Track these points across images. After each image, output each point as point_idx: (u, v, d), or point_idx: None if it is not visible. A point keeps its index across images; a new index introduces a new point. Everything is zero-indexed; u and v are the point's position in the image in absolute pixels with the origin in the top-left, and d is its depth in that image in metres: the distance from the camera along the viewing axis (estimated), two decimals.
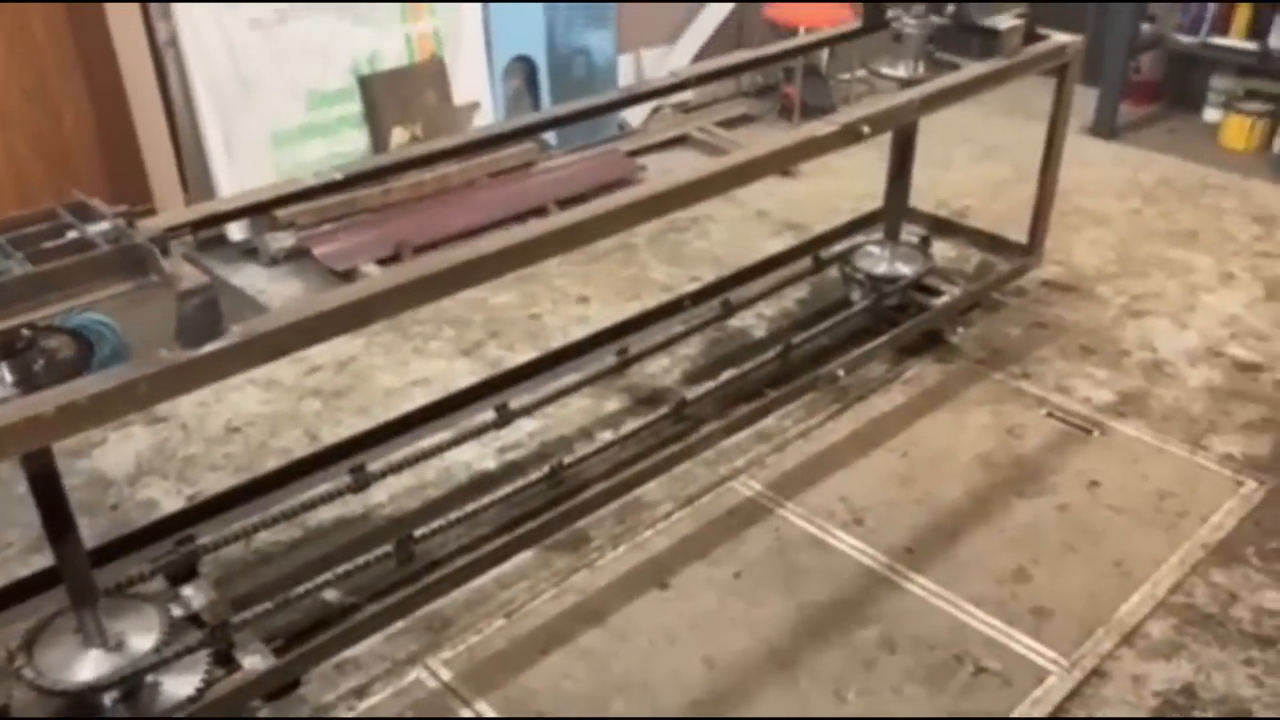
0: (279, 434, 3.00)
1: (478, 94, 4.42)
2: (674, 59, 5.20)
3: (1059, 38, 3.11)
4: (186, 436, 3.00)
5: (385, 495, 2.72)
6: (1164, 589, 2.47)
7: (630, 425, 2.84)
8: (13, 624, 2.06)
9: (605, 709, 2.19)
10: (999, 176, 4.52)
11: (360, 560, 2.24)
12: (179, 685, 2.00)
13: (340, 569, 2.22)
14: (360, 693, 2.23)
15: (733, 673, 2.27)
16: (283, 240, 3.84)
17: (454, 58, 4.29)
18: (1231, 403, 3.14)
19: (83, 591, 1.93)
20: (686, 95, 4.97)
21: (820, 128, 2.50)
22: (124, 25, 3.62)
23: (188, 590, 2.21)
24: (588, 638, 2.35)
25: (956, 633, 2.36)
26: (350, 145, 4.09)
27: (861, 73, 5.07)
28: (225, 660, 2.07)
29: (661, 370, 3.25)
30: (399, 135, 4.16)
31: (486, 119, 4.45)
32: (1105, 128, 5.02)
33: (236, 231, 3.88)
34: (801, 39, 3.54)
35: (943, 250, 3.64)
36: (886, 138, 3.31)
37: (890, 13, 3.11)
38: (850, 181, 4.24)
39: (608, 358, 2.98)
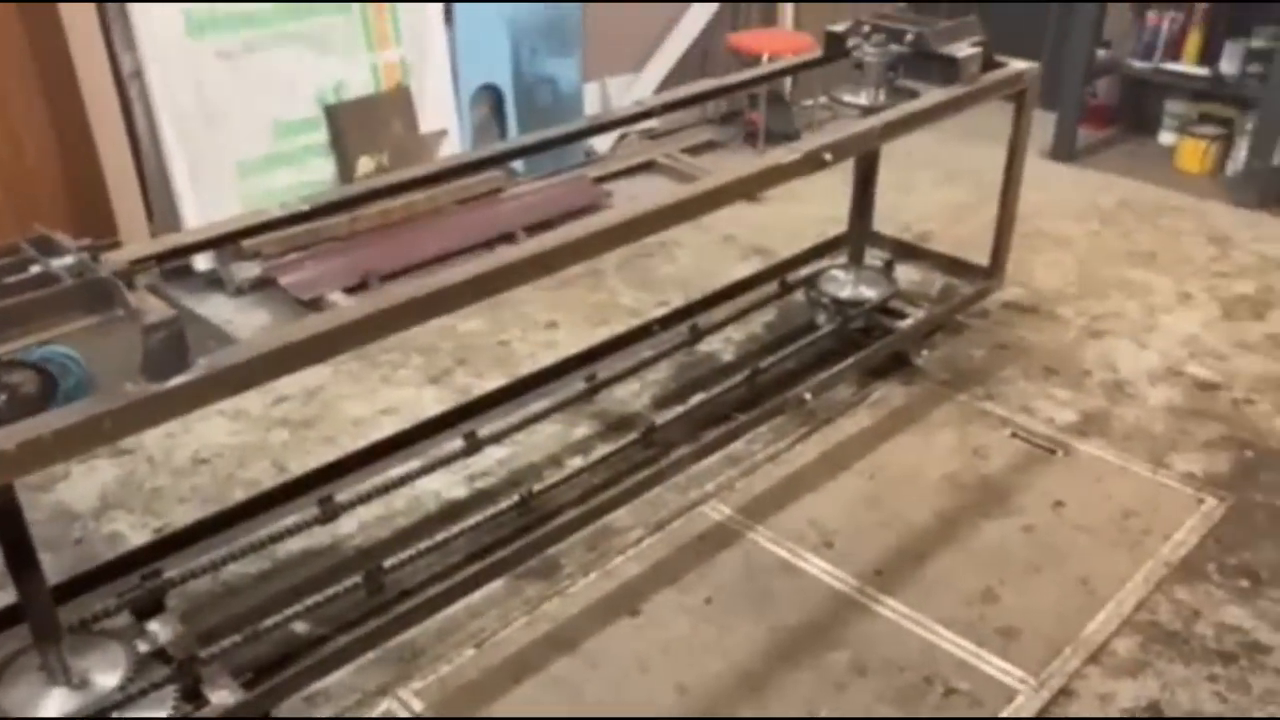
0: (246, 465, 2.98)
1: (444, 122, 4.44)
2: (639, 87, 5.25)
3: (1016, 65, 3.16)
4: (153, 468, 2.97)
5: (354, 525, 2.71)
6: (1129, 607, 2.50)
7: (600, 451, 2.85)
8: None
9: None
10: (960, 200, 4.58)
11: (329, 591, 2.23)
12: None
13: (309, 600, 2.21)
14: None
15: (705, 699, 2.28)
16: (248, 270, 3.82)
17: (420, 86, 4.31)
18: (1191, 421, 3.19)
19: (46, 629, 1.91)
20: (653, 122, 5.00)
21: (784, 155, 2.53)
22: (88, 57, 3.61)
23: (154, 625, 2.18)
24: (559, 666, 2.35)
25: (926, 654, 2.38)
26: (317, 174, 4.08)
27: (825, 99, 5.13)
28: (193, 695, 2.05)
29: (631, 395, 3.26)
30: (365, 164, 4.17)
31: (453, 147, 4.46)
32: (1064, 151, 5.11)
33: (202, 261, 3.85)
34: (766, 67, 3.58)
35: (906, 274, 3.69)
36: (849, 163, 3.35)
37: (851, 41, 3.15)
38: (815, 206, 4.28)
39: (577, 384, 2.99)
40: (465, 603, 2.44)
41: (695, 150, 5.15)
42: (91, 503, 2.85)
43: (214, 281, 3.87)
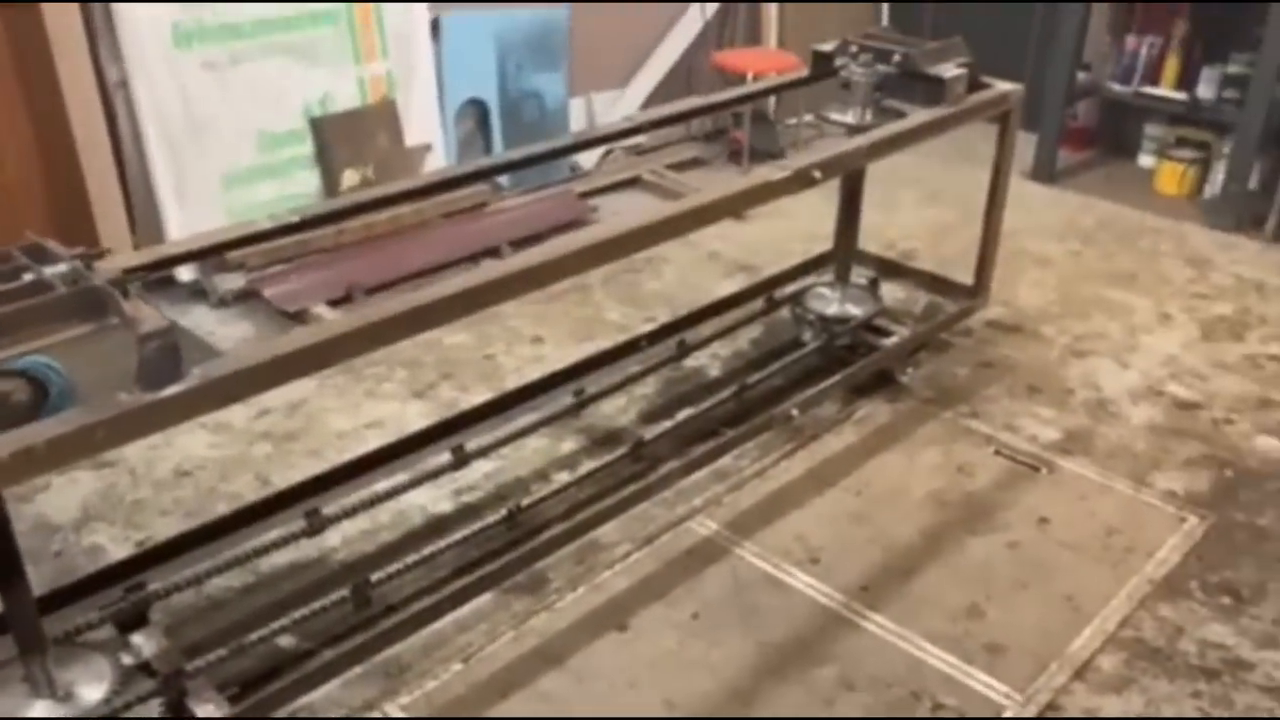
0: (229, 478, 2.96)
1: (430, 136, 4.44)
2: (625, 103, 5.27)
3: (1001, 86, 3.20)
4: (134, 481, 2.94)
5: (339, 539, 2.69)
6: (1113, 623, 2.52)
7: (587, 466, 2.85)
8: None
9: None
10: (943, 220, 4.62)
11: (316, 605, 2.21)
12: None
13: (296, 614, 2.19)
14: None
15: (693, 714, 2.27)
16: (232, 281, 3.80)
17: (406, 100, 4.31)
18: (1172, 440, 3.22)
19: (31, 641, 1.88)
20: (639, 139, 5.02)
21: (774, 172, 2.54)
22: (72, 66, 3.58)
23: (137, 638, 2.15)
24: (547, 680, 2.34)
25: (913, 670, 2.38)
26: (301, 187, 4.07)
27: (809, 118, 5.17)
28: (177, 709, 2.03)
29: (617, 410, 3.26)
30: (350, 177, 4.16)
31: (439, 161, 4.46)
32: (1044, 172, 5.16)
33: (185, 272, 3.83)
34: (754, 86, 3.60)
35: (891, 291, 3.71)
36: (833, 182, 3.37)
37: (838, 61, 3.18)
38: (799, 223, 4.31)
39: (564, 398, 2.99)
40: (452, 617, 2.42)
41: (679, 167, 5.16)
42: (72, 514, 2.82)
43: (197, 293, 3.84)
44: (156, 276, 3.61)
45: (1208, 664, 2.42)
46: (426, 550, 2.41)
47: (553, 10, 4.76)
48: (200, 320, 3.74)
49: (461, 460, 2.69)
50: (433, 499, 2.84)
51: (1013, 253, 4.25)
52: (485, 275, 2.14)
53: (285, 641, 2.33)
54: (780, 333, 3.65)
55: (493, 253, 4.09)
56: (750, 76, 4.89)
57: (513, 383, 3.20)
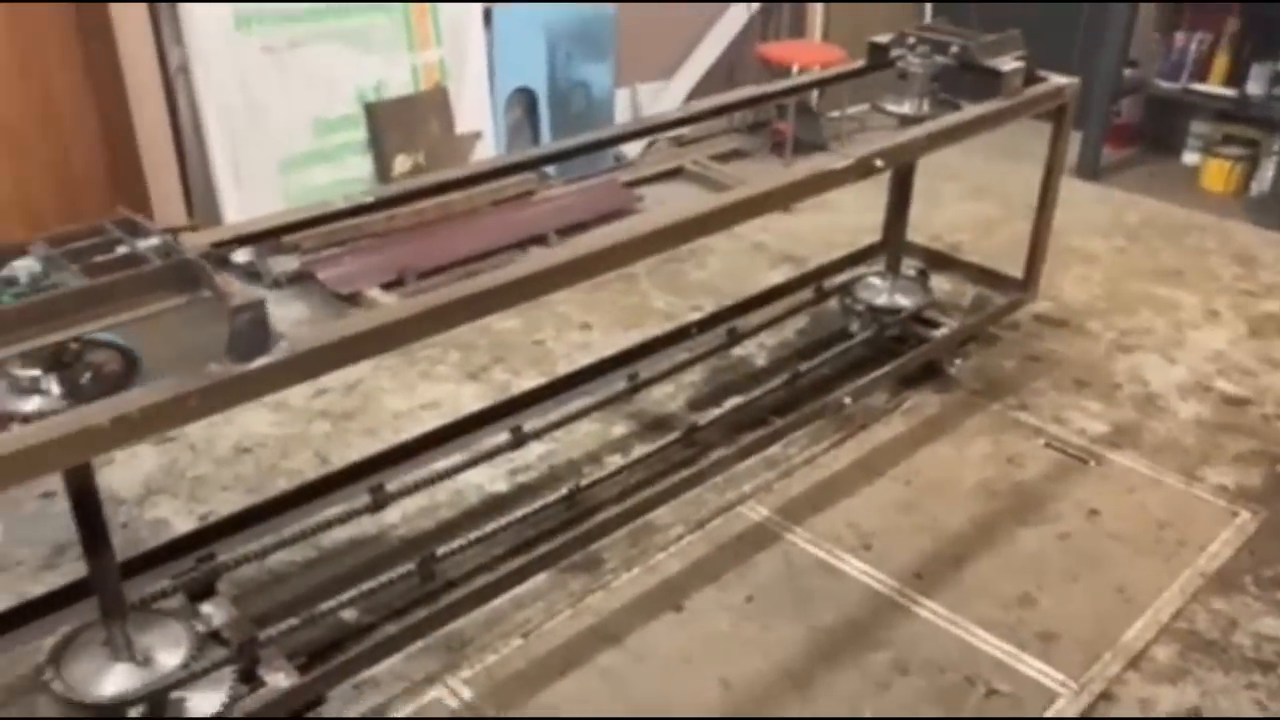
0: (289, 455, 3.01)
1: (480, 124, 4.48)
2: (669, 94, 5.30)
3: (1057, 80, 3.20)
4: (195, 457, 3.00)
5: (399, 516, 2.73)
6: (1166, 615, 2.53)
7: (639, 450, 2.89)
8: (28, 641, 2.05)
9: None
10: (989, 214, 4.62)
11: (383, 578, 2.26)
12: (203, 702, 2.00)
13: (362, 587, 2.24)
14: (380, 711, 2.23)
15: (749, 693, 2.30)
16: (286, 263, 3.85)
17: (458, 88, 4.35)
18: (1222, 435, 3.22)
19: (113, 605, 1.94)
20: (682, 130, 5.05)
21: (835, 161, 2.57)
22: (135, 49, 3.65)
23: (207, 608, 2.21)
24: (605, 658, 2.37)
25: (967, 655, 2.40)
26: (354, 171, 4.12)
27: (863, 108, 5.18)
28: (248, 678, 2.08)
29: (666, 396, 3.29)
30: (402, 163, 4.21)
31: (488, 149, 4.50)
32: (1089, 169, 5.15)
33: (239, 254, 3.88)
34: (805, 77, 3.63)
35: (938, 283, 3.72)
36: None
37: (895, 52, 3.19)
38: (843, 217, 4.33)
39: (616, 383, 3.02)
40: (511, 595, 2.46)
41: (722, 158, 5.19)
42: (136, 489, 2.88)
43: (251, 274, 3.89)
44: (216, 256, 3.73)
45: (1263, 657, 2.43)
46: (488, 528, 2.45)
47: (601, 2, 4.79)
48: None
49: (519, 441, 2.73)
50: (489, 478, 2.88)
51: (1058, 248, 4.24)
52: (543, 262, 2.17)
53: (348, 615, 2.38)
54: (826, 324, 3.67)
55: (540, 240, 4.13)
56: (795, 69, 4.90)
57: (563, 368, 3.24)
